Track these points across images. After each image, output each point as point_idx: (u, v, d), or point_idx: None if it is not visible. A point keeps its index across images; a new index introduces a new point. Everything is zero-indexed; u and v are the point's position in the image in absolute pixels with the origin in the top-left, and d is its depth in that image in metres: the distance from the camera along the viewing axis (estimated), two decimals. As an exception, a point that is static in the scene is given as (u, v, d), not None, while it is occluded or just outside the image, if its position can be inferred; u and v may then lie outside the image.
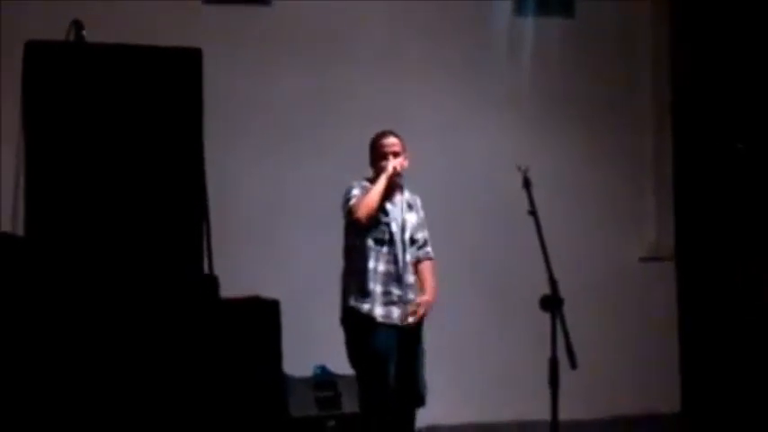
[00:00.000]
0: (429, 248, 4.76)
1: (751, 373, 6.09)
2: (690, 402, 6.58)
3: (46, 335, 3.85)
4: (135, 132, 3.93)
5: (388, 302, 4.53)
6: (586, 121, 6.64)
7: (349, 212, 4.51)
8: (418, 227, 4.70)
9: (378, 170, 4.59)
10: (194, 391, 4.09)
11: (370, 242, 4.52)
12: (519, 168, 4.42)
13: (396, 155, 4.59)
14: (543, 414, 4.30)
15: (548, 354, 4.17)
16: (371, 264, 4.51)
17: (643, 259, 6.71)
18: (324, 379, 5.81)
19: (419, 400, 4.59)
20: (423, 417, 5.96)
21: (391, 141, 4.62)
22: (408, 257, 4.61)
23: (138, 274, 3.92)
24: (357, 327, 4.53)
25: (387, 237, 4.54)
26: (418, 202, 4.77)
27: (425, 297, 4.63)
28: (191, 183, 4.03)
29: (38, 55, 3.89)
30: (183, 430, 4.03)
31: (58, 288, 3.83)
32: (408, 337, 4.56)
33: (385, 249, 4.53)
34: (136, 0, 5.84)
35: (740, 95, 6.33)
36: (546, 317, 4.21)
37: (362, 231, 4.51)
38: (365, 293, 4.50)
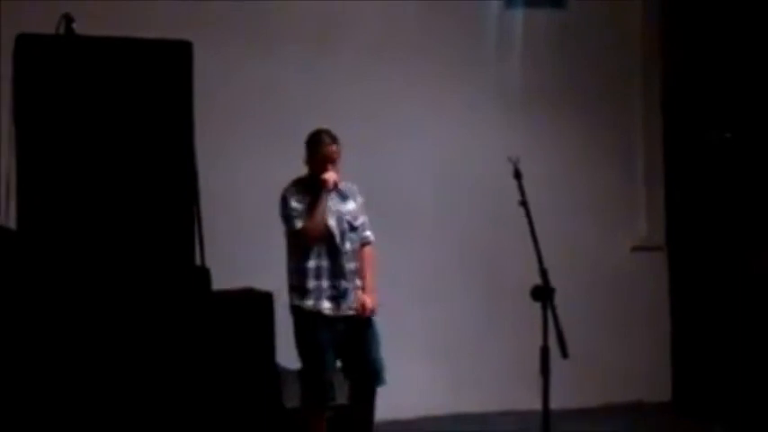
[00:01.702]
0: (368, 232, 4.88)
1: (742, 362, 6.12)
2: (680, 392, 6.61)
3: (37, 328, 3.86)
4: (126, 125, 3.94)
5: (335, 295, 4.69)
6: (577, 112, 6.66)
7: (299, 236, 4.66)
8: (355, 213, 4.80)
9: (315, 176, 4.71)
10: (187, 384, 4.11)
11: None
12: (510, 159, 4.44)
13: (333, 163, 4.72)
14: (534, 404, 4.32)
15: (539, 343, 4.19)
16: (314, 262, 4.68)
17: (634, 249, 6.73)
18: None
19: (376, 379, 4.72)
20: (414, 407, 6.02)
21: (330, 150, 4.73)
22: (348, 245, 4.74)
23: (130, 266, 3.93)
24: (303, 322, 4.71)
25: (326, 234, 4.69)
26: (354, 188, 4.87)
27: (365, 298, 4.75)
28: (182, 175, 4.04)
29: (29, 48, 3.90)
30: (176, 423, 4.04)
31: (49, 281, 3.84)
32: (358, 324, 4.72)
33: (324, 246, 4.70)
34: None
35: (730, 86, 6.36)
36: (537, 307, 4.23)
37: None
38: (310, 290, 4.68)
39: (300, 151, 6.10)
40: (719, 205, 6.38)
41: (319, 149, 4.74)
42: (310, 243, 4.66)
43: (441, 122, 6.44)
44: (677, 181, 6.72)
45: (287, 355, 5.37)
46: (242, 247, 5.87)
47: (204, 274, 4.19)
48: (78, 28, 4.08)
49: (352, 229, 4.77)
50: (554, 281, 4.25)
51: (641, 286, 6.66)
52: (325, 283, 4.68)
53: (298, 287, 4.72)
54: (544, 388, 4.19)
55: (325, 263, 4.68)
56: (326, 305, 4.69)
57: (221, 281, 4.91)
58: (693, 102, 6.62)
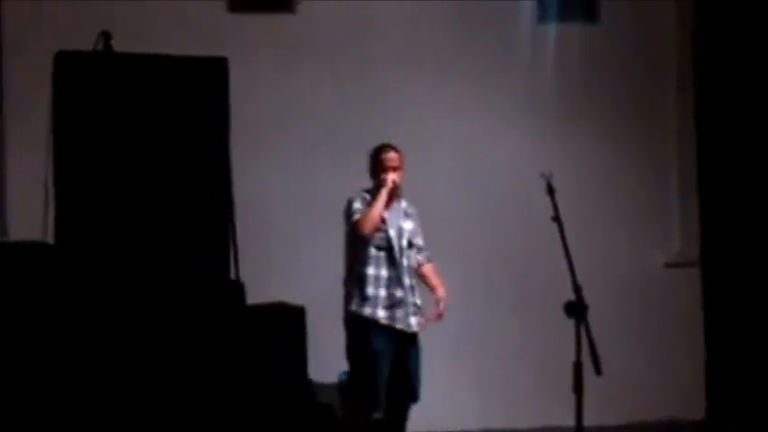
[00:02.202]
0: (427, 253, 5.04)
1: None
2: (715, 410, 6.54)
3: (74, 341, 3.91)
4: (163, 140, 3.99)
5: (391, 305, 4.78)
6: (610, 126, 6.63)
7: (354, 228, 4.80)
8: (414, 233, 4.96)
9: (378, 183, 4.89)
10: (221, 397, 4.14)
11: (372, 250, 4.81)
12: (542, 175, 4.43)
13: (395, 169, 4.88)
14: (566, 420, 4.30)
15: (571, 359, 4.17)
16: (373, 270, 4.80)
17: (668, 265, 6.68)
18: (346, 377, 5.82)
19: (413, 396, 4.83)
20: (445, 423, 6.01)
21: (391, 156, 4.91)
22: (406, 261, 4.86)
23: (166, 280, 3.97)
24: (359, 329, 4.79)
25: (385, 243, 4.82)
26: (414, 210, 5.04)
27: (440, 293, 4.90)
28: (218, 190, 4.09)
29: (67, 64, 3.97)
30: (210, 434, 4.07)
31: (87, 295, 3.88)
32: (406, 338, 4.81)
33: (384, 255, 4.82)
34: (163, 10, 5.90)
35: (765, 100, 6.31)
36: (570, 323, 4.21)
37: (365, 241, 4.80)
38: (368, 298, 4.77)
39: (335, 164, 6.15)
40: (754, 220, 6.32)
41: (379, 156, 4.92)
42: (365, 232, 4.76)
43: (472, 136, 6.44)
44: (711, 195, 6.66)
45: (319, 369, 5.40)
46: (276, 262, 5.90)
47: (239, 287, 4.23)
48: (115, 45, 4.15)
49: (410, 246, 4.91)
50: (586, 296, 4.23)
51: (675, 302, 6.60)
52: (382, 292, 4.78)
53: (357, 294, 4.80)
54: (578, 404, 4.17)
55: (383, 272, 4.79)
56: (382, 314, 4.77)
57: (255, 295, 4.95)
58: (727, 114, 6.57)
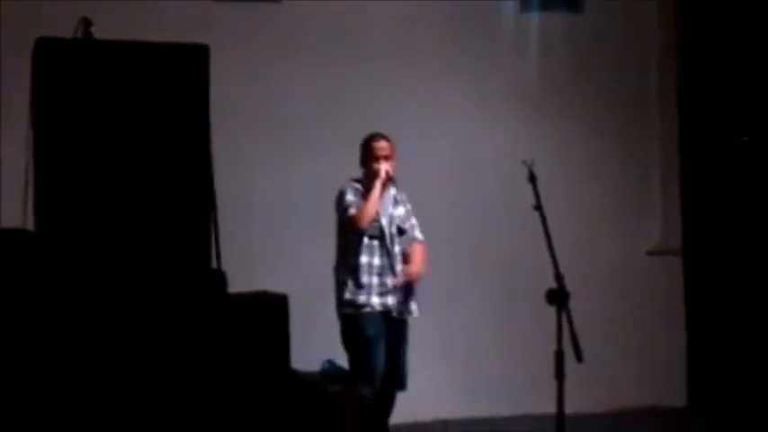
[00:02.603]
0: (417, 233, 5.06)
1: (758, 366, 6.10)
2: (696, 396, 6.59)
3: (54, 329, 3.89)
4: (143, 128, 3.97)
5: (384, 292, 4.84)
6: (592, 116, 6.65)
7: (351, 222, 4.83)
8: (405, 218, 5.00)
9: (369, 172, 4.90)
10: (201, 386, 4.13)
11: (365, 239, 4.84)
12: (524, 163, 4.45)
13: (386, 158, 4.90)
14: (549, 407, 4.32)
15: (553, 347, 4.19)
16: (366, 258, 4.84)
17: (649, 253, 6.71)
18: (332, 374, 5.84)
19: (401, 384, 4.91)
20: (429, 411, 6.03)
21: (382, 145, 4.94)
22: (397, 249, 4.91)
23: (146, 269, 3.96)
24: (354, 317, 4.84)
25: (378, 232, 4.87)
26: (404, 195, 5.07)
27: (408, 270, 4.92)
28: (198, 179, 4.06)
29: (47, 51, 3.94)
30: (190, 425, 4.06)
31: (66, 283, 3.87)
32: (396, 325, 4.88)
33: (377, 243, 4.86)
34: (148, -1, 5.88)
35: (747, 89, 6.34)
36: (551, 311, 4.23)
37: (359, 232, 4.84)
38: (362, 286, 4.82)
39: (319, 155, 6.14)
40: (735, 209, 6.36)
41: (370, 145, 4.93)
42: (361, 227, 4.79)
43: (455, 125, 6.45)
44: (693, 185, 6.70)
45: (301, 358, 5.40)
46: (257, 250, 5.89)
47: (220, 276, 4.22)
48: (95, 31, 4.12)
49: (401, 232, 4.94)
50: (568, 284, 4.25)
51: (656, 290, 6.64)
52: (375, 280, 4.84)
53: (350, 282, 4.84)
54: (559, 392, 4.19)
55: (376, 260, 4.84)
56: (376, 300, 4.82)
57: (237, 284, 4.94)
58: (710, 105, 6.60)
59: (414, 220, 5.05)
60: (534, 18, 6.59)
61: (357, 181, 4.96)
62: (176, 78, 4.07)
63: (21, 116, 4.18)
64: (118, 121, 3.99)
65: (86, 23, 4.08)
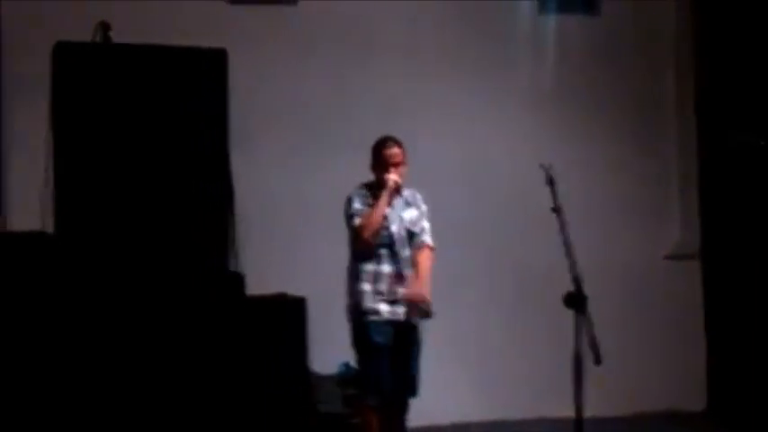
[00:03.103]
0: (426, 237, 4.91)
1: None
2: (715, 401, 6.55)
3: (75, 330, 3.91)
4: (162, 131, 3.99)
5: (393, 300, 4.75)
6: (610, 118, 6.62)
7: (356, 233, 4.74)
8: (417, 220, 4.87)
9: (379, 180, 4.80)
10: (221, 387, 4.14)
11: (375, 247, 4.73)
12: (542, 166, 4.43)
13: (397, 165, 4.78)
14: (567, 411, 4.30)
15: (570, 350, 4.17)
16: (374, 266, 4.75)
17: (668, 257, 6.68)
18: (349, 376, 5.84)
19: (411, 391, 4.81)
20: (446, 414, 6.01)
21: (393, 152, 4.79)
22: (407, 253, 4.80)
23: (166, 271, 3.97)
24: (361, 323, 4.76)
25: (387, 240, 4.76)
26: (418, 196, 4.94)
27: (410, 292, 4.76)
28: (217, 181, 4.09)
29: (66, 55, 3.97)
30: (209, 424, 4.08)
31: (85, 285, 3.89)
32: (406, 331, 4.79)
33: (386, 251, 4.76)
34: (162, 1, 5.89)
35: (764, 92, 6.30)
36: (568, 314, 4.21)
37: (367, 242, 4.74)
38: (369, 293, 4.74)
39: (332, 156, 6.14)
40: (753, 213, 6.32)
41: (381, 152, 4.81)
42: (367, 239, 4.71)
43: (472, 128, 6.43)
44: (711, 189, 6.66)
45: (319, 360, 5.41)
46: (277, 254, 5.90)
47: (238, 279, 4.23)
48: (114, 35, 4.14)
49: (411, 235, 4.83)
50: (586, 288, 4.22)
51: (675, 294, 6.60)
52: (383, 287, 4.74)
53: (358, 289, 4.77)
54: (577, 395, 4.17)
55: (385, 268, 4.75)
56: (383, 308, 4.75)
57: (256, 287, 4.95)
58: (728, 108, 6.57)
59: (425, 224, 4.91)
60: (551, 20, 6.57)
61: (367, 186, 4.87)
62: (195, 82, 4.10)
63: (40, 118, 4.21)
64: (137, 124, 4.01)
65: (105, 27, 4.11)
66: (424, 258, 4.86)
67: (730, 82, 6.53)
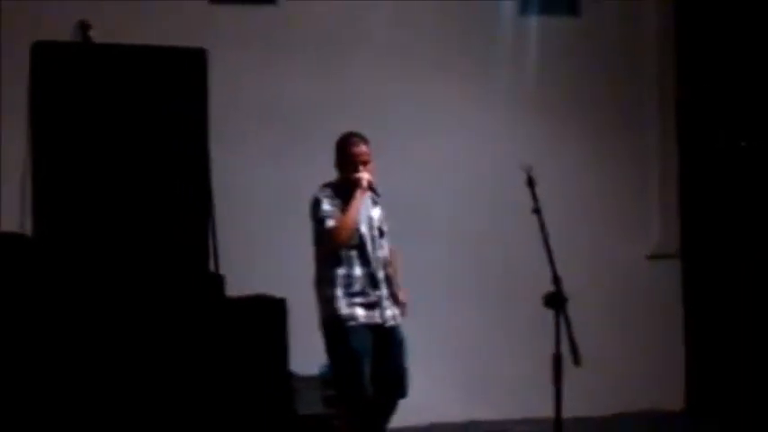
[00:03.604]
0: (389, 243, 4.84)
1: (756, 370, 6.10)
2: (694, 400, 6.59)
3: (52, 333, 3.89)
4: (141, 131, 3.98)
5: (368, 304, 4.63)
6: (591, 119, 6.65)
7: (329, 238, 4.57)
8: (384, 219, 4.78)
9: (347, 179, 4.65)
10: (200, 389, 4.13)
11: (343, 250, 4.61)
12: (522, 167, 4.44)
13: (366, 163, 4.65)
14: (547, 411, 4.32)
15: (551, 351, 4.18)
16: (345, 270, 4.62)
17: (648, 257, 6.71)
18: (330, 377, 5.83)
19: (401, 392, 4.71)
20: (424, 414, 6.02)
21: (361, 150, 4.66)
22: (379, 253, 4.69)
23: (144, 272, 3.96)
24: (337, 331, 4.63)
25: (357, 241, 4.63)
26: (379, 193, 4.82)
27: (403, 298, 4.77)
28: (196, 182, 4.08)
29: (45, 55, 3.94)
30: (189, 426, 4.06)
31: (64, 287, 3.87)
32: (386, 333, 4.68)
33: (356, 253, 4.63)
34: (145, 2, 5.86)
35: (745, 93, 6.34)
36: (549, 314, 4.23)
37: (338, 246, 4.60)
38: (342, 298, 4.60)
39: (314, 157, 6.13)
40: (734, 213, 6.36)
41: (349, 150, 4.67)
42: (341, 243, 4.55)
43: (453, 128, 6.44)
44: (691, 189, 6.70)
45: (300, 361, 5.40)
46: (257, 254, 5.88)
47: (218, 280, 4.22)
48: (93, 35, 4.12)
49: (382, 235, 4.72)
50: (567, 288, 4.24)
51: (655, 294, 6.64)
52: (356, 291, 4.61)
53: (330, 296, 4.64)
54: (556, 395, 4.18)
55: (356, 271, 4.62)
56: (359, 312, 4.61)
57: (236, 287, 4.93)
58: (708, 109, 6.61)
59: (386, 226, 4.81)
60: (533, 21, 6.59)
61: (331, 186, 4.68)
62: (175, 82, 4.08)
63: (18, 118, 4.19)
64: (116, 124, 4.00)
65: (84, 27, 4.09)
66: (399, 261, 4.80)
67: (711, 83, 6.57)
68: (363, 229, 4.66)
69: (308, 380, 5.79)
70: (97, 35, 4.13)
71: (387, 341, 4.70)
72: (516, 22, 6.57)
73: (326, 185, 4.70)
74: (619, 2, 6.74)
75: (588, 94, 6.64)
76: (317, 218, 4.62)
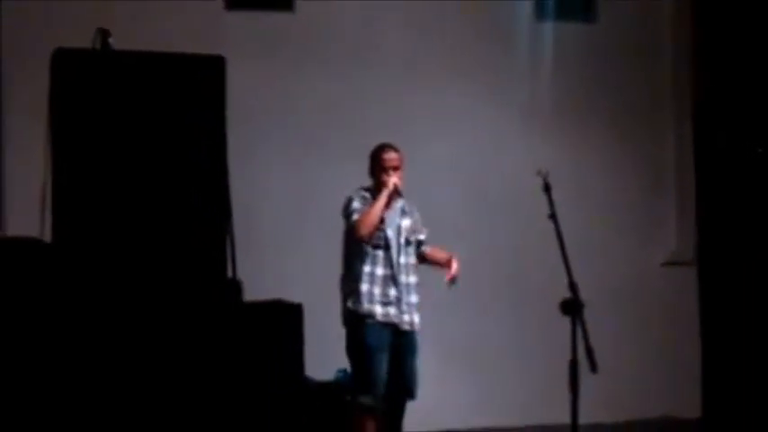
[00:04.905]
0: (423, 236, 5.03)
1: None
2: (711, 408, 6.56)
3: (71, 338, 3.92)
4: (160, 139, 4.00)
5: (387, 303, 4.81)
6: (607, 126, 6.65)
7: (352, 229, 4.80)
8: (413, 230, 4.97)
9: (378, 183, 4.87)
10: (217, 393, 4.15)
11: (368, 248, 4.81)
12: (539, 173, 4.44)
13: (395, 169, 4.86)
14: (563, 418, 4.31)
15: (567, 357, 4.18)
16: (369, 268, 4.81)
17: (664, 264, 6.69)
18: (346, 382, 5.84)
19: (409, 393, 4.86)
20: (440, 421, 6.02)
21: (392, 156, 4.87)
22: (403, 260, 4.88)
23: (162, 278, 3.98)
24: (356, 326, 4.81)
25: (383, 242, 4.82)
26: (413, 207, 5.03)
27: (447, 256, 4.96)
28: (215, 188, 4.09)
29: (65, 62, 3.97)
30: (207, 430, 4.08)
31: (83, 292, 3.89)
32: (401, 335, 4.83)
33: (381, 253, 4.83)
34: (161, 8, 5.91)
35: (762, 100, 6.32)
36: (566, 321, 4.22)
37: (362, 241, 4.80)
38: (363, 295, 4.79)
39: (334, 164, 6.16)
40: (750, 220, 6.34)
41: (380, 156, 4.88)
42: (362, 235, 4.74)
43: (469, 135, 6.46)
44: (707, 195, 6.67)
45: (316, 366, 5.41)
46: (274, 260, 5.91)
47: (236, 285, 4.24)
48: (113, 43, 4.15)
49: (408, 243, 4.92)
50: (583, 295, 4.24)
51: (671, 301, 6.62)
52: (377, 290, 4.79)
53: (353, 291, 4.82)
54: (573, 402, 4.18)
55: (379, 270, 4.81)
56: (378, 310, 4.79)
57: (253, 293, 4.95)
58: (725, 116, 6.58)
59: (424, 235, 5.02)
60: (549, 27, 6.60)
61: (367, 189, 4.93)
62: (193, 89, 4.10)
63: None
64: (135, 132, 4.02)
65: (104, 34, 4.11)
66: (437, 248, 5.01)
67: (728, 89, 6.54)
68: (390, 233, 4.85)
69: (323, 384, 5.81)
70: (116, 43, 4.16)
71: (401, 342, 4.83)
72: (532, 27, 6.58)
73: (362, 188, 4.93)
74: (635, 8, 6.74)
75: (604, 99, 6.64)
76: (346, 213, 4.84)
